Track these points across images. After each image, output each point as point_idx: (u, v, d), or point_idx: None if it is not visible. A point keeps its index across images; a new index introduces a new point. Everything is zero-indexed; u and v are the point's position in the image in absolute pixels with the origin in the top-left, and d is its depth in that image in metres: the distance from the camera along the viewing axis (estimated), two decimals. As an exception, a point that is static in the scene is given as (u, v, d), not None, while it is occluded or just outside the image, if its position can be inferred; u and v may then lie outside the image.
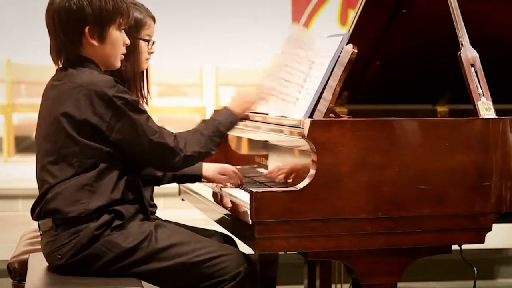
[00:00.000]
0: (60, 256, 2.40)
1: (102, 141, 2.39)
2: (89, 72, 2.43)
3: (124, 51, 2.53)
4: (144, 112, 2.44)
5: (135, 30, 2.67)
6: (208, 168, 2.83)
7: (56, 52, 2.48)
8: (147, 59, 2.76)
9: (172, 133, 2.48)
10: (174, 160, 2.45)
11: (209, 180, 2.84)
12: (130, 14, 2.51)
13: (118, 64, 2.53)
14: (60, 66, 2.50)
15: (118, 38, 2.49)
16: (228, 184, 2.79)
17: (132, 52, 2.67)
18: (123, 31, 2.50)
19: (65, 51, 2.47)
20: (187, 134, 2.50)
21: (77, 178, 2.39)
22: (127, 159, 2.44)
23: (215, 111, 2.77)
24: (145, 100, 2.81)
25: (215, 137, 2.53)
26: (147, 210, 2.55)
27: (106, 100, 2.36)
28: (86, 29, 2.44)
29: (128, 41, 2.53)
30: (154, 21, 2.77)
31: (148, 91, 2.82)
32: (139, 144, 2.41)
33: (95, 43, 2.46)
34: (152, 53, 2.77)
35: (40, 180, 2.47)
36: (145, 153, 2.43)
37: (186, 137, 2.48)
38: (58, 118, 2.41)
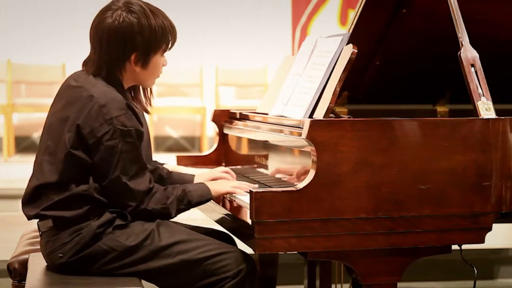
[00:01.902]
0: (61, 254, 2.41)
1: (86, 153, 2.39)
2: (106, 86, 2.43)
3: (162, 72, 2.55)
4: (136, 149, 2.40)
5: None
6: (200, 177, 2.79)
7: (96, 67, 2.46)
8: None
9: (149, 186, 2.43)
10: (129, 207, 2.42)
11: None
12: (176, 37, 2.53)
13: (153, 84, 2.57)
14: (85, 68, 2.50)
15: (160, 62, 2.52)
16: None
17: None
18: (164, 54, 2.52)
19: (106, 70, 2.46)
20: (159, 189, 2.46)
21: (68, 185, 2.39)
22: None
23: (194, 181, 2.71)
24: (148, 101, 2.80)
25: (180, 202, 2.48)
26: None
27: (106, 119, 2.37)
28: (132, 56, 2.45)
29: (167, 63, 2.55)
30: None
31: (151, 91, 2.82)
32: (107, 174, 2.38)
33: (137, 69, 2.47)
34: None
35: (33, 172, 2.49)
36: (107, 185, 2.39)
37: (157, 190, 2.45)
38: (63, 120, 2.42)
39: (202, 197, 2.55)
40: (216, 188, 2.58)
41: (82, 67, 2.53)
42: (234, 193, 2.58)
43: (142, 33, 2.43)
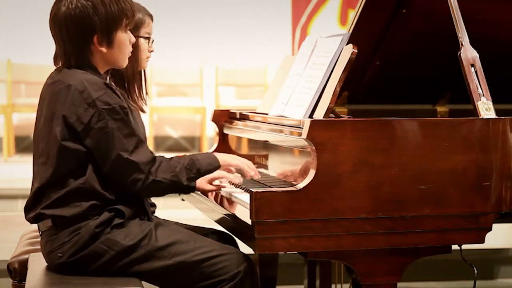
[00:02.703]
0: (61, 254, 2.41)
1: (78, 142, 2.37)
2: (82, 72, 2.42)
3: (131, 49, 2.53)
4: (126, 123, 2.39)
5: (134, 29, 2.68)
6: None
7: (65, 59, 2.46)
8: (147, 57, 2.76)
9: (152, 155, 2.42)
10: (138, 182, 2.38)
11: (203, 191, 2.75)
12: (135, 13, 2.51)
13: (125, 64, 2.53)
14: (59, 65, 2.50)
15: (125, 39, 2.49)
16: (228, 184, 2.78)
17: (132, 51, 2.68)
18: (128, 31, 2.50)
19: (74, 59, 2.45)
20: (164, 158, 2.45)
21: (64, 181, 2.38)
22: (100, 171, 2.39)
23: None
24: (143, 100, 2.80)
25: (189, 170, 2.46)
26: (147, 210, 2.55)
27: (89, 102, 2.35)
28: (95, 38, 2.44)
29: (133, 39, 2.53)
30: (152, 19, 2.78)
31: (146, 92, 2.82)
32: (107, 156, 2.37)
33: (103, 49, 2.46)
34: (152, 51, 2.77)
35: (33, 178, 2.49)
36: (110, 167, 2.38)
37: (162, 161, 2.43)
38: (49, 118, 2.42)
39: (211, 165, 2.53)
40: (224, 158, 2.58)
41: (54, 65, 2.52)
42: (241, 168, 2.59)
43: (98, 13, 2.41)
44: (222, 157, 2.59)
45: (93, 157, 2.39)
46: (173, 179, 2.43)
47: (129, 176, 2.38)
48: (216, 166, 2.55)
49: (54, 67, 2.53)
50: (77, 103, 2.36)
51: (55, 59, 2.51)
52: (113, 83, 2.65)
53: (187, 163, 2.47)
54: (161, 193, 2.48)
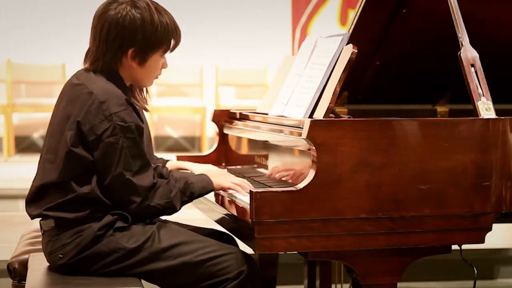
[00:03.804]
0: (62, 255, 2.41)
1: (87, 151, 2.37)
2: (106, 82, 2.42)
3: (161, 73, 2.53)
4: (137, 145, 2.39)
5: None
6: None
7: (92, 58, 2.46)
8: (157, 76, 2.74)
9: (153, 181, 2.41)
10: (133, 204, 2.39)
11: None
12: (179, 39, 2.50)
13: (149, 85, 2.55)
14: (86, 66, 2.49)
15: (158, 63, 2.49)
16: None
17: None
18: (164, 56, 2.50)
19: (102, 61, 2.45)
20: (162, 183, 2.43)
21: (70, 186, 2.38)
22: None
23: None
24: (144, 99, 2.79)
25: (183, 194, 2.46)
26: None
27: (106, 115, 2.35)
28: (130, 51, 2.43)
29: (166, 65, 2.53)
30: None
31: (147, 90, 2.81)
32: (109, 171, 2.36)
33: (134, 65, 2.46)
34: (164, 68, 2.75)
35: (37, 171, 2.49)
36: (110, 182, 2.37)
37: (160, 184, 2.42)
38: (65, 119, 2.42)
39: (204, 189, 2.53)
40: (218, 181, 2.56)
41: (84, 61, 2.52)
42: (235, 190, 2.57)
43: (143, 29, 2.41)
44: (216, 180, 2.56)
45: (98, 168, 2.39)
46: (167, 206, 2.43)
47: (126, 196, 2.39)
48: (210, 190, 2.55)
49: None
50: (94, 113, 2.36)
51: (86, 55, 2.50)
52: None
53: (182, 186, 2.47)
54: (153, 216, 2.49)
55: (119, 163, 2.36)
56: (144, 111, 2.70)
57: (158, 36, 2.44)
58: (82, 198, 2.39)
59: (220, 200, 2.68)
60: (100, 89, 2.39)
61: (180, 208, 2.49)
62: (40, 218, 2.48)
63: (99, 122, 2.35)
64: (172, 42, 2.49)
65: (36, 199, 2.45)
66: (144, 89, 2.78)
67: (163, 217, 2.76)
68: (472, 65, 2.56)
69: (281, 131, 2.57)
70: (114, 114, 2.35)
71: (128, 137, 2.37)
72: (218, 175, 2.61)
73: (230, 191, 2.64)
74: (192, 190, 2.48)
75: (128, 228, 2.43)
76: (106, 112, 2.35)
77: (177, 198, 2.45)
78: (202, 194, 2.54)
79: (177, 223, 2.73)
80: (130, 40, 2.42)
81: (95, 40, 2.46)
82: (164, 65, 2.53)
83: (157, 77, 2.56)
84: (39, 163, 2.50)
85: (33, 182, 2.49)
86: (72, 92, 2.45)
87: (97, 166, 2.38)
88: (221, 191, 2.70)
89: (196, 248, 2.45)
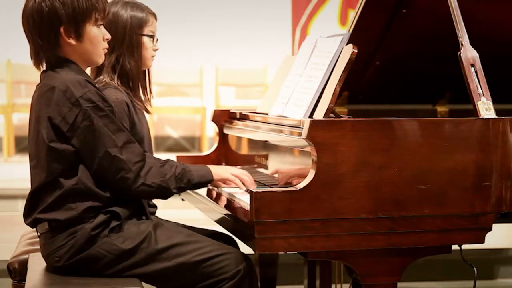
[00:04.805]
0: (58, 258, 2.40)
1: (66, 143, 2.36)
2: (65, 73, 2.41)
3: (106, 46, 2.50)
4: (113, 120, 2.37)
5: (138, 27, 2.68)
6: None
7: (35, 55, 2.46)
8: (152, 56, 2.76)
9: (143, 155, 2.40)
10: (128, 181, 2.37)
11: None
12: (106, 8, 2.48)
13: (101, 61, 2.50)
14: (43, 69, 2.48)
15: (97, 34, 2.46)
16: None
17: (137, 49, 2.68)
18: (101, 26, 2.47)
19: (43, 53, 2.44)
20: (156, 162, 2.43)
21: (57, 183, 2.36)
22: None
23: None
24: (148, 101, 2.80)
25: (180, 180, 2.44)
26: (145, 208, 2.54)
27: (72, 102, 2.34)
28: (62, 29, 2.41)
29: (108, 36, 2.50)
30: (156, 18, 2.77)
31: (150, 91, 2.82)
32: (94, 155, 2.35)
33: (72, 42, 2.43)
34: (156, 50, 2.77)
35: (30, 182, 2.48)
36: (99, 165, 2.36)
37: (152, 165, 2.41)
38: (36, 121, 2.41)
39: (203, 177, 2.51)
40: (217, 171, 2.56)
41: (35, 66, 2.49)
42: (234, 182, 2.57)
43: (64, 5, 2.39)
44: (216, 171, 2.55)
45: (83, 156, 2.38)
46: (162, 185, 2.42)
47: (117, 174, 2.37)
48: (209, 179, 2.53)
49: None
50: (61, 103, 2.35)
51: (31, 58, 2.48)
52: (119, 83, 2.65)
53: (179, 172, 2.45)
54: (148, 197, 2.48)
55: (102, 143, 2.34)
56: (145, 112, 2.70)
57: (82, 6, 2.41)
58: (71, 193, 2.36)
59: (220, 200, 2.68)
60: (59, 80, 2.38)
61: (177, 192, 2.47)
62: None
63: (68, 110, 2.34)
64: (99, 7, 2.45)
65: (31, 207, 2.43)
66: (148, 89, 2.79)
67: (162, 216, 2.77)
68: (472, 65, 2.56)
69: (281, 131, 2.57)
70: (80, 98, 2.34)
71: (101, 116, 2.35)
72: (218, 167, 2.61)
73: (230, 191, 2.65)
74: (190, 177, 2.47)
75: (123, 228, 2.42)
76: (71, 99, 2.34)
77: (172, 181, 2.43)
78: (201, 182, 2.52)
79: (176, 223, 2.73)
80: (56, 19, 2.39)
81: (29, 37, 2.44)
82: (106, 37, 2.49)
83: (104, 50, 2.51)
84: (30, 175, 2.49)
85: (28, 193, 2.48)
86: (38, 95, 2.44)
87: (81, 154, 2.36)
88: (221, 189, 2.71)
89: (192, 249, 2.45)
